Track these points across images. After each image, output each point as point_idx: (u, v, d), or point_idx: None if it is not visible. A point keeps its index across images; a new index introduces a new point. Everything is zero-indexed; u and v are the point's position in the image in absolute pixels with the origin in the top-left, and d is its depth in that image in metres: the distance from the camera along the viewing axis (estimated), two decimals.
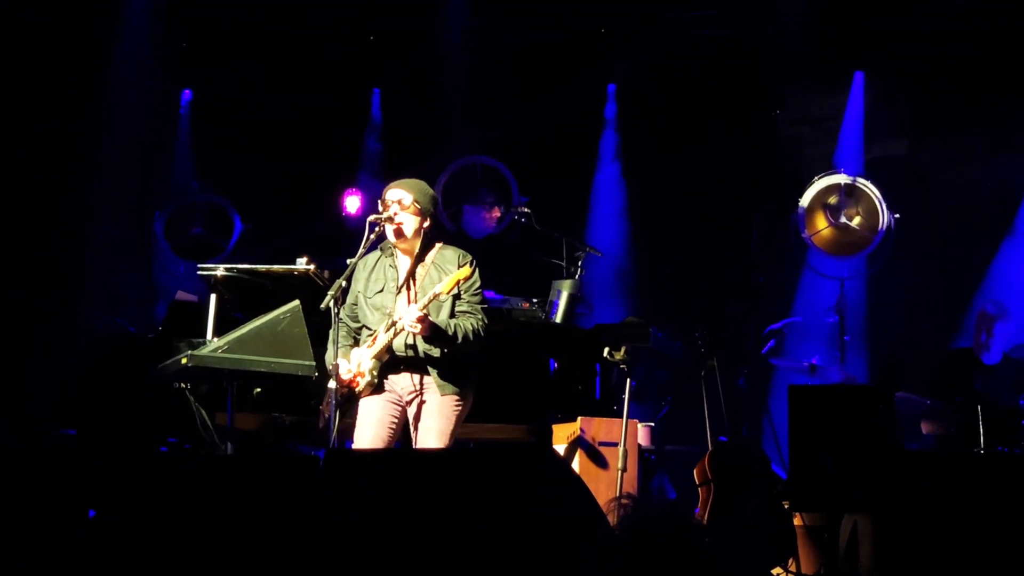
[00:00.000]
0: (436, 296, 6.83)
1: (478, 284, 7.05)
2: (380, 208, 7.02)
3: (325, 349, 7.05)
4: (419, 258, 7.04)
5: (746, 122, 11.07)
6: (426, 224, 7.05)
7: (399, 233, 6.99)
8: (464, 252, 7.12)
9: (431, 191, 7.15)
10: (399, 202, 6.98)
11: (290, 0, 11.32)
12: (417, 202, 6.99)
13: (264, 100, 11.35)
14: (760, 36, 11.01)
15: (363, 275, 7.13)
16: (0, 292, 10.57)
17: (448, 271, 6.97)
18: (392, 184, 7.08)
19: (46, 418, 8.68)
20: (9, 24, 10.52)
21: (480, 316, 6.98)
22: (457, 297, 6.94)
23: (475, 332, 6.91)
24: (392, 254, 7.09)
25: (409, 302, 6.96)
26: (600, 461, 8.04)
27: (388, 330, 6.92)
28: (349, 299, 7.17)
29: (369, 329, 7.07)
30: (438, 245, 7.12)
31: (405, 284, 7.02)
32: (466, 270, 6.88)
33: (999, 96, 10.68)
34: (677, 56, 11.21)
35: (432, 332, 6.82)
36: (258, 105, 11.35)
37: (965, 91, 10.76)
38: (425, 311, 6.79)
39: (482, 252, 9.69)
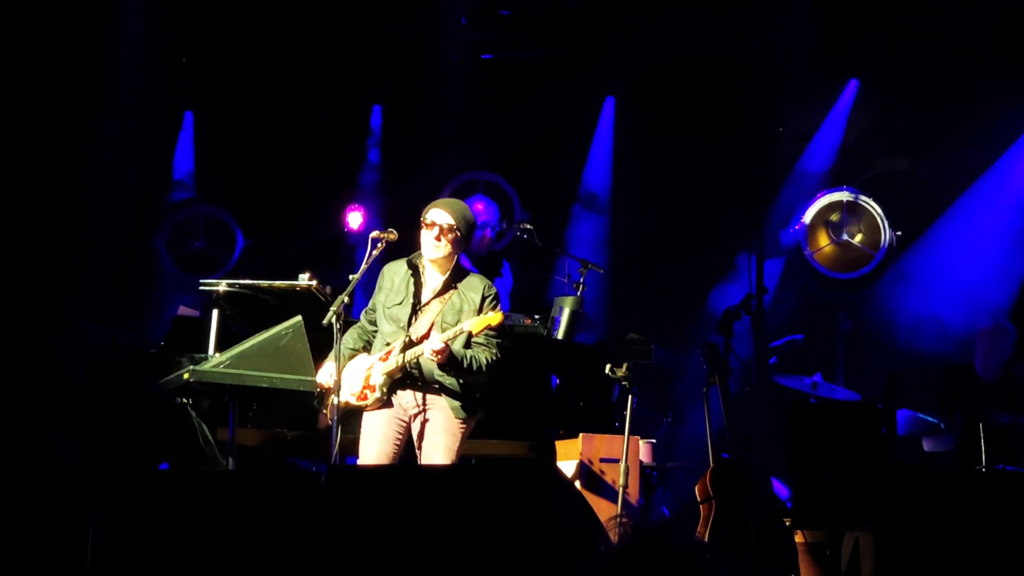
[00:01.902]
0: (462, 332, 6.81)
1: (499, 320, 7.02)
2: (421, 225, 6.98)
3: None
4: (447, 281, 7.03)
5: (747, 137, 11.07)
6: (460, 251, 7.04)
7: (434, 253, 6.97)
8: (489, 283, 7.09)
9: (473, 219, 7.12)
10: (441, 225, 6.95)
11: (290, 15, 11.35)
12: (458, 229, 6.96)
13: (265, 116, 11.35)
14: (760, 52, 11.03)
15: (387, 284, 7.11)
16: (2, 307, 10.59)
17: (470, 300, 6.94)
18: (439, 203, 7.06)
19: (48, 433, 8.68)
20: (7, 45, 10.56)
21: (494, 351, 6.94)
22: None
23: (488, 365, 6.89)
24: (419, 270, 7.08)
25: (420, 319, 6.94)
26: (602, 477, 8.04)
27: (404, 350, 6.89)
28: (371, 304, 7.17)
29: (384, 340, 7.05)
30: (469, 274, 7.11)
31: (427, 303, 7.00)
32: (498, 317, 6.83)
33: (1000, 111, 10.70)
34: (677, 71, 11.22)
35: (448, 361, 6.81)
36: (259, 121, 11.35)
37: (966, 107, 10.76)
38: (447, 342, 6.77)
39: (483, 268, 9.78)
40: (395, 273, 7.11)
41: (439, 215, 6.97)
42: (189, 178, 11.75)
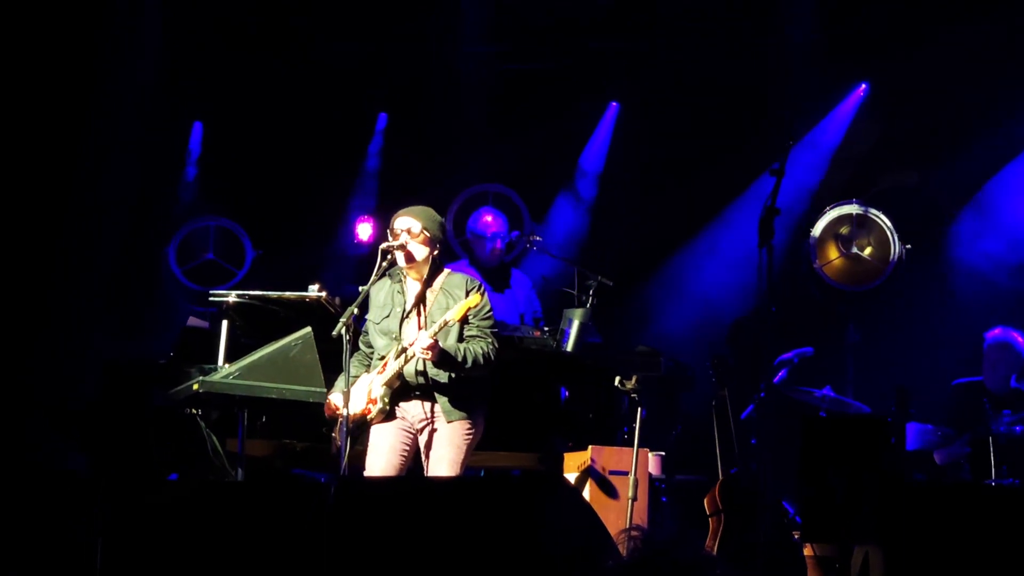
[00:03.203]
0: (446, 323, 6.85)
1: (488, 308, 7.08)
2: (389, 236, 7.06)
3: (335, 376, 7.06)
4: (427, 284, 7.08)
5: (756, 148, 11.06)
6: (435, 251, 7.09)
7: (409, 260, 7.03)
8: (471, 278, 7.16)
9: (439, 218, 7.20)
10: (408, 230, 7.03)
11: (299, 27, 11.38)
12: (426, 229, 7.04)
13: (274, 127, 11.36)
14: (771, 67, 11.03)
15: (374, 302, 7.17)
16: (13, 318, 10.61)
17: (456, 296, 7.00)
18: (401, 212, 7.13)
19: (56, 444, 8.69)
20: (14, 57, 10.58)
21: (490, 340, 6.99)
22: (465, 322, 6.96)
23: (485, 356, 6.92)
24: (401, 280, 7.13)
25: (420, 328, 6.98)
26: (610, 490, 8.03)
27: (398, 357, 6.94)
28: (364, 327, 7.21)
29: (379, 354, 7.09)
30: (446, 271, 7.17)
31: (415, 310, 7.04)
32: (476, 298, 6.92)
33: (1010, 124, 10.68)
34: (682, 76, 11.22)
35: (441, 358, 6.83)
36: (269, 132, 11.36)
37: (975, 120, 10.74)
38: (435, 338, 6.81)
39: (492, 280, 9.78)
40: (379, 290, 7.18)
41: (404, 222, 7.06)
42: (198, 188, 11.76)
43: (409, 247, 7.02)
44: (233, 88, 11.43)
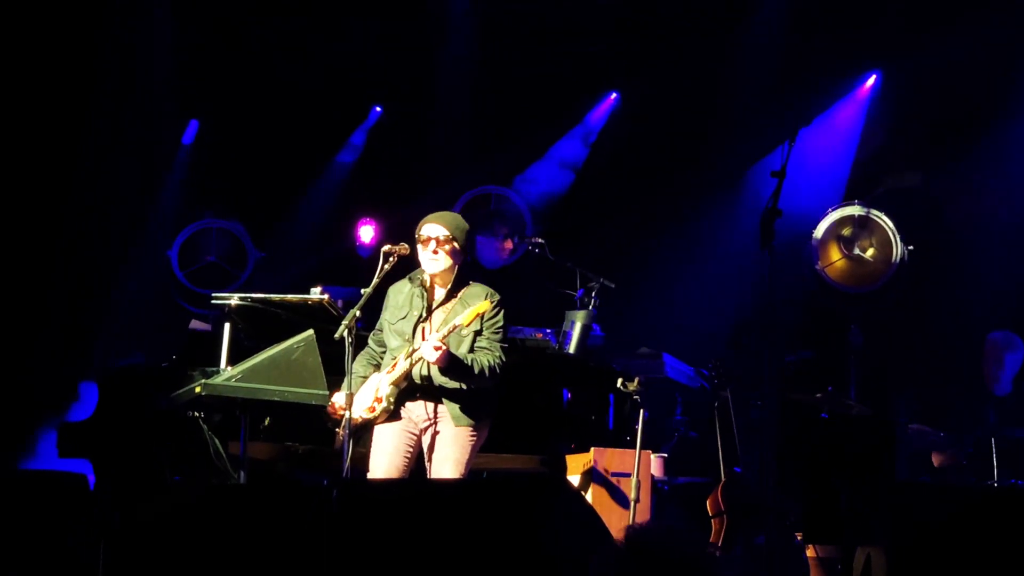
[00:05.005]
0: (456, 327, 6.83)
1: (501, 323, 7.04)
2: (417, 241, 7.02)
3: (338, 378, 7.07)
4: (450, 292, 7.06)
5: (759, 148, 11.06)
6: (460, 260, 7.07)
7: (434, 266, 7.01)
8: (493, 291, 7.11)
9: (467, 226, 7.15)
10: (436, 238, 7.00)
11: (299, 28, 11.40)
12: (454, 239, 7.01)
13: (275, 128, 11.38)
14: (772, 67, 11.04)
15: (392, 302, 7.16)
16: (13, 319, 10.62)
17: (473, 307, 6.97)
18: (430, 217, 7.09)
19: (61, 447, 8.70)
20: (15, 57, 10.59)
21: (498, 354, 6.97)
22: (479, 333, 6.94)
23: (491, 368, 6.91)
24: (422, 284, 7.11)
25: (424, 330, 6.98)
26: (613, 492, 8.03)
27: (408, 358, 6.93)
28: (377, 324, 7.19)
29: (391, 355, 7.08)
30: (470, 282, 7.13)
31: (431, 315, 7.03)
32: (486, 304, 6.89)
33: (1015, 126, 10.67)
34: (683, 69, 11.24)
35: (449, 363, 6.82)
36: (269, 133, 11.38)
37: (980, 122, 10.73)
38: (444, 342, 6.79)
39: (495, 282, 9.78)
40: (399, 292, 7.16)
41: (432, 229, 7.03)
42: (199, 190, 11.76)
43: (436, 254, 6.96)
44: (234, 88, 11.45)
